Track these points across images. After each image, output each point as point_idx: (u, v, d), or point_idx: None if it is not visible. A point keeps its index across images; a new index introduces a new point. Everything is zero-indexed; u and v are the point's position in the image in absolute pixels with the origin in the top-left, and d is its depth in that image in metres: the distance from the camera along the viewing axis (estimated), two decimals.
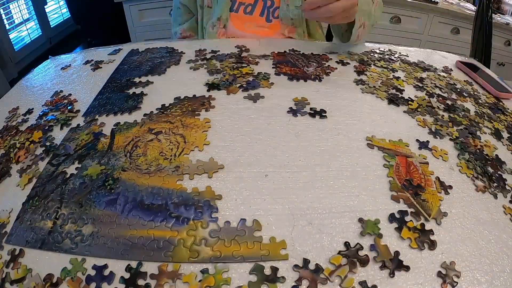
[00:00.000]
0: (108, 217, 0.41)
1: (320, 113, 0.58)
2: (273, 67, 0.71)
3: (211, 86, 0.64)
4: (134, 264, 0.37)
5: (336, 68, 0.72)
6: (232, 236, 0.39)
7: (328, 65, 0.73)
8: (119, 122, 0.56)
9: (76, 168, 0.48)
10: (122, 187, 0.45)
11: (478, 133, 0.58)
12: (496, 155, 0.54)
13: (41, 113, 0.61)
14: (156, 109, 0.59)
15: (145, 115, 0.58)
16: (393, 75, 0.71)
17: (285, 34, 0.90)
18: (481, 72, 0.77)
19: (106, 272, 0.37)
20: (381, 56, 0.80)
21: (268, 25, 0.91)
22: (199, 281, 0.36)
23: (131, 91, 0.65)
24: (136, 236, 0.39)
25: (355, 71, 0.71)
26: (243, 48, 0.78)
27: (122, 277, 0.36)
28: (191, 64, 0.73)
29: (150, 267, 0.37)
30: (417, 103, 0.63)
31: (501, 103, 0.68)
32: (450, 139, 0.55)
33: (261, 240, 0.39)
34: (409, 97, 0.64)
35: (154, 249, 0.38)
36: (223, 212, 0.42)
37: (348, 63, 0.74)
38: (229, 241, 0.39)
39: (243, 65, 0.71)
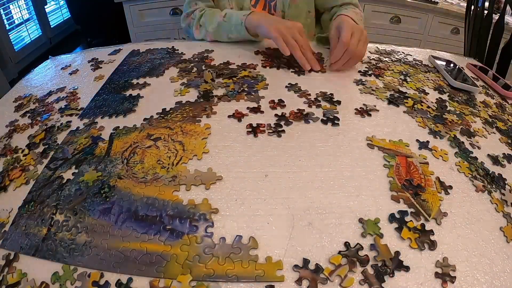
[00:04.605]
0: (102, 227, 0.41)
1: (333, 121, 0.57)
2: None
3: (204, 96, 0.62)
4: (124, 279, 0.36)
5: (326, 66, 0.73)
6: (226, 254, 0.38)
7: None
8: (118, 127, 0.55)
9: (73, 173, 0.48)
10: (117, 195, 0.44)
11: (478, 132, 0.58)
12: (497, 155, 0.54)
13: (41, 114, 0.61)
14: (157, 113, 0.58)
15: (145, 119, 0.57)
16: (398, 78, 0.71)
17: None
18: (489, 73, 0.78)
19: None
20: (383, 56, 0.80)
21: None
22: None
23: (127, 93, 0.64)
24: (128, 249, 0.39)
25: (360, 72, 0.72)
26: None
27: None
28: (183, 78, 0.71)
29: (140, 283, 0.36)
30: (412, 100, 0.63)
31: (506, 103, 0.69)
32: (450, 139, 0.55)
33: (257, 260, 0.38)
34: (405, 95, 0.65)
35: (146, 264, 0.37)
36: (219, 223, 0.41)
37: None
38: (223, 258, 0.37)
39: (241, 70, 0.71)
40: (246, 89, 0.64)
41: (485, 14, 1.28)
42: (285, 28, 0.72)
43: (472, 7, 1.33)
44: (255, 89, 0.64)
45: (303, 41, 0.72)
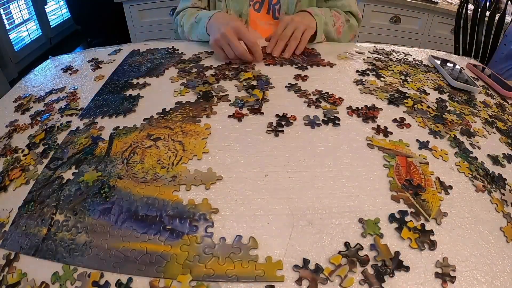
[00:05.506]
0: (102, 227, 0.41)
1: (333, 121, 0.57)
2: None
3: (204, 96, 0.62)
4: (124, 279, 0.36)
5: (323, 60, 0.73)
6: (226, 254, 0.38)
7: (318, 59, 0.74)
8: (118, 127, 0.55)
9: (73, 173, 0.48)
10: (117, 195, 0.44)
11: (478, 132, 0.58)
12: (497, 155, 0.54)
13: (41, 113, 0.61)
14: (157, 113, 0.58)
15: (145, 119, 0.57)
16: (399, 79, 0.71)
17: None
18: (487, 72, 0.78)
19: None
20: (382, 55, 0.80)
21: (274, 22, 0.92)
22: None
23: (127, 93, 0.64)
24: (128, 249, 0.39)
25: (359, 72, 0.72)
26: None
27: None
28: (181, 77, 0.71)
29: (140, 283, 0.36)
30: (412, 100, 0.63)
31: (506, 103, 0.69)
32: (450, 139, 0.55)
33: (257, 260, 0.37)
34: (405, 95, 0.65)
35: (146, 264, 0.37)
36: (219, 223, 0.41)
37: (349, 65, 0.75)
38: (223, 259, 0.37)
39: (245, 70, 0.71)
40: (246, 90, 0.64)
41: (486, 14, 1.29)
42: (221, 36, 0.71)
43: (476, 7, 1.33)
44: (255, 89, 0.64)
45: (247, 38, 0.71)
